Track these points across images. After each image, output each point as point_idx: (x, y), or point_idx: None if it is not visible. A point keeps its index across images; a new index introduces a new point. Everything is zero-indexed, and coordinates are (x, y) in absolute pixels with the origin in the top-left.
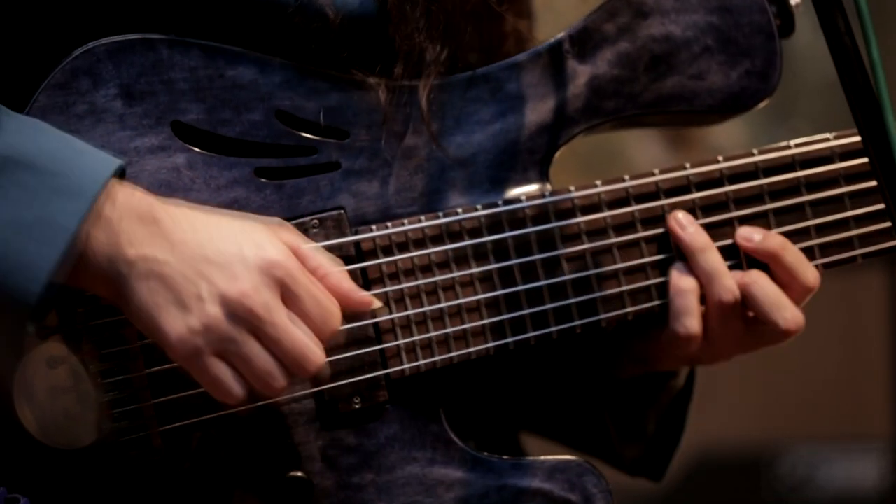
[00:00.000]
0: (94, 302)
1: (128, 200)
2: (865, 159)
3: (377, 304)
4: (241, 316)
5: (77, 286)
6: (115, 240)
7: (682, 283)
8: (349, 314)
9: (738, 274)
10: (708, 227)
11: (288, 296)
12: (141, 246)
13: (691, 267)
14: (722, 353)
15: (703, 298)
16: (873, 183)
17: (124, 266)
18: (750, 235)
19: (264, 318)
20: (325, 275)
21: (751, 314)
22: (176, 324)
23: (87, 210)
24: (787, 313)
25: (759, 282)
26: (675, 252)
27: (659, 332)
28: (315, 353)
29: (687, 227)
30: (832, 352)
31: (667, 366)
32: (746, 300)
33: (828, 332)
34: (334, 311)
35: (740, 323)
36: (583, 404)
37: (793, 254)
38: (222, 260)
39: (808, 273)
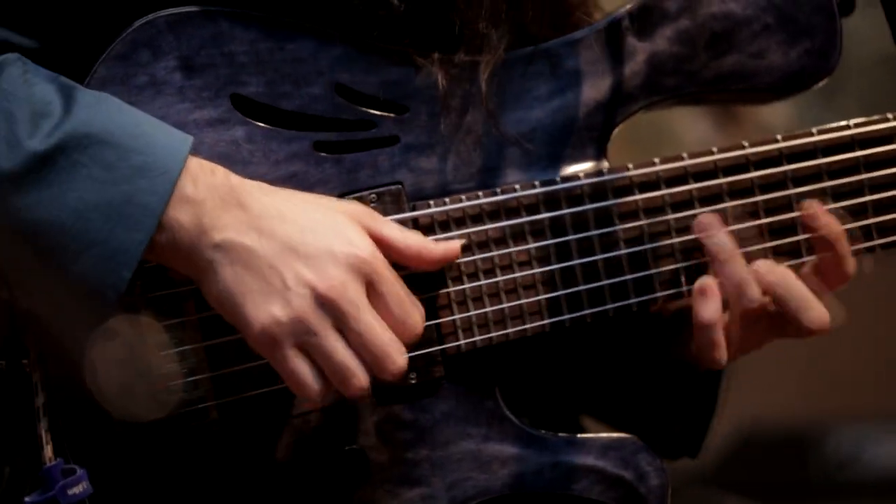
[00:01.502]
0: (152, 274)
1: (209, 180)
2: None
3: (458, 246)
4: (327, 309)
5: (152, 259)
6: (198, 222)
7: (706, 315)
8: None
9: (763, 270)
10: (766, 205)
11: (374, 294)
12: (226, 231)
13: (716, 273)
14: (745, 350)
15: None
16: None
17: (209, 250)
18: (816, 216)
19: (350, 313)
20: (407, 245)
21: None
22: (260, 312)
23: (171, 190)
24: (814, 314)
25: (785, 281)
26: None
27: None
28: (398, 352)
29: (713, 234)
30: (878, 328)
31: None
32: (773, 299)
33: (874, 308)
34: (417, 314)
35: (765, 322)
36: (637, 384)
37: (846, 245)
38: (311, 252)
39: (852, 264)
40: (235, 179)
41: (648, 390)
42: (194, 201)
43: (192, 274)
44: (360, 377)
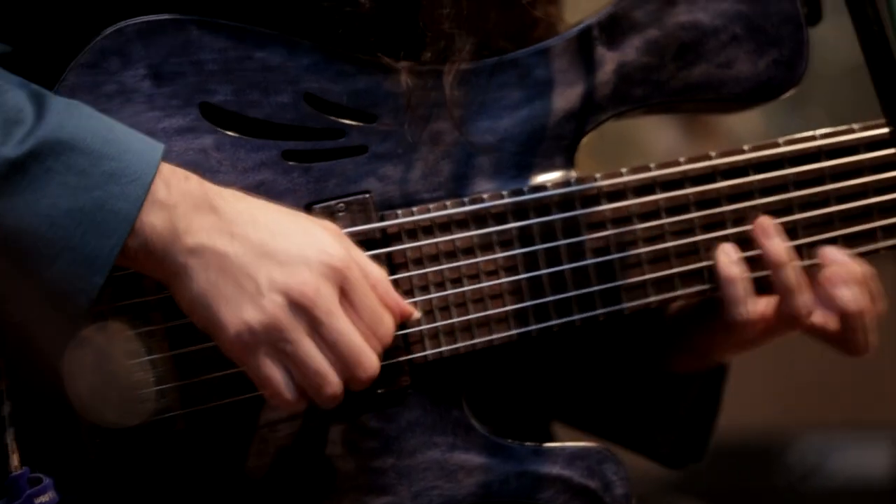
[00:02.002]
0: (121, 283)
1: (182, 185)
2: (890, 150)
3: (417, 314)
4: (301, 315)
5: (125, 265)
6: (171, 226)
7: (730, 271)
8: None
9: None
10: (732, 216)
11: (346, 300)
12: (200, 235)
13: (771, 278)
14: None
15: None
16: None
17: (182, 255)
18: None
19: (324, 319)
20: (374, 283)
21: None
22: (234, 318)
23: (143, 195)
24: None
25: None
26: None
27: (716, 322)
28: (370, 358)
29: (773, 237)
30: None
31: (726, 356)
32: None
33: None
34: (388, 321)
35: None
36: (617, 394)
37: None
38: (285, 257)
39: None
40: (209, 185)
41: (632, 399)
42: (167, 205)
43: (164, 279)
44: (334, 384)
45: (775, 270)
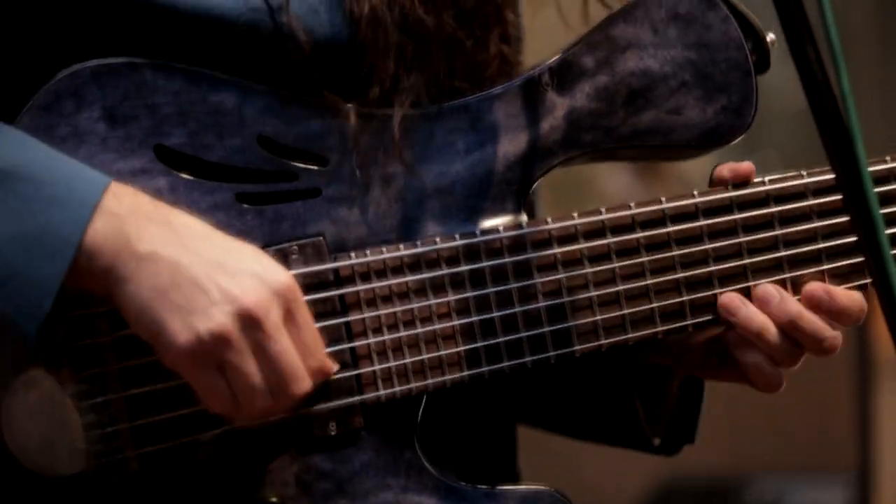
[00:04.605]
0: (73, 322)
1: (134, 199)
2: (838, 196)
3: (335, 368)
4: (248, 328)
5: (72, 285)
6: (121, 234)
7: (755, 323)
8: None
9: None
10: (682, 259)
11: (290, 321)
12: (151, 243)
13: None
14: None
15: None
16: (845, 219)
17: (132, 262)
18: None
19: (271, 335)
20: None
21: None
22: (183, 329)
23: (89, 217)
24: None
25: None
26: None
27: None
28: (304, 379)
29: (737, 311)
30: (798, 381)
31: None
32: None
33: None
34: (323, 350)
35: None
36: (607, 390)
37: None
38: (236, 269)
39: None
40: (161, 203)
41: (614, 395)
42: (118, 215)
43: (109, 288)
44: (265, 398)
45: (758, 338)
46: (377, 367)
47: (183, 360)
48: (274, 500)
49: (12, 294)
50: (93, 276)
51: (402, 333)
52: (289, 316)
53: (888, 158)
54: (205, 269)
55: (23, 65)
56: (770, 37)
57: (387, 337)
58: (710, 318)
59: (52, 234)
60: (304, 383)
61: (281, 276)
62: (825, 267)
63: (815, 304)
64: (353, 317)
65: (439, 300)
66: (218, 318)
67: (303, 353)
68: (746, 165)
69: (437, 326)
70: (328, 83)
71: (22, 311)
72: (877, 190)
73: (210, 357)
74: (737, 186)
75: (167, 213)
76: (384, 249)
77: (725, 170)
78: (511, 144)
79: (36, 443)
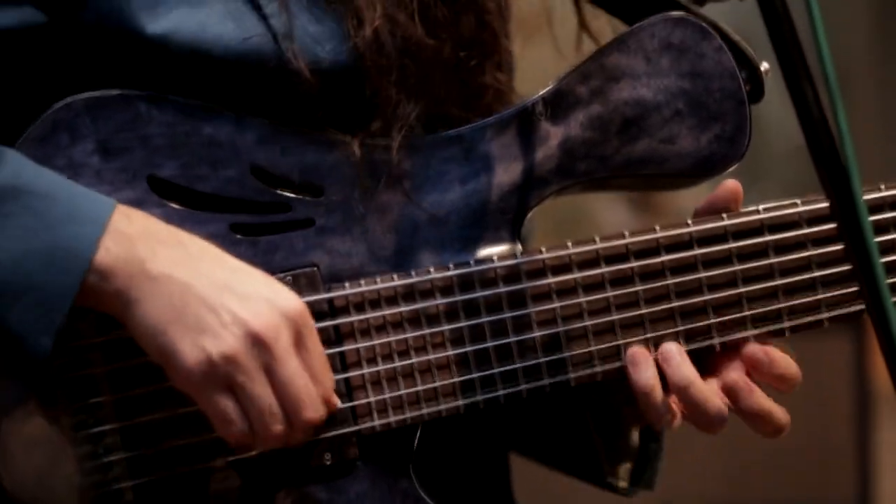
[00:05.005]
0: (69, 354)
1: (145, 221)
2: (832, 225)
3: (338, 404)
4: (258, 350)
5: (83, 304)
6: (134, 255)
7: (643, 381)
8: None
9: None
10: (676, 288)
11: (300, 346)
12: (164, 265)
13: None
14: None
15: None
16: (840, 247)
17: (145, 282)
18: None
19: (282, 358)
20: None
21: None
22: (194, 350)
23: (100, 233)
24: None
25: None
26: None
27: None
28: (317, 403)
29: (671, 360)
30: (798, 414)
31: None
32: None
33: (793, 394)
34: (331, 375)
35: None
36: (569, 426)
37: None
38: (248, 293)
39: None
40: (171, 226)
41: (582, 432)
42: (129, 235)
43: (120, 308)
44: (280, 423)
45: (683, 392)
46: (372, 397)
47: (193, 381)
48: None
49: (26, 309)
50: (105, 297)
51: (397, 363)
52: (299, 341)
53: (882, 187)
54: (216, 291)
55: (19, 96)
56: (764, 66)
57: (381, 367)
58: (706, 345)
59: (65, 250)
60: (317, 409)
61: (292, 301)
62: (820, 296)
63: (754, 366)
64: (348, 347)
65: (434, 330)
66: (228, 340)
67: (313, 379)
68: (729, 185)
69: (432, 356)
70: (330, 112)
71: (37, 325)
72: (871, 218)
73: (220, 379)
74: (731, 216)
75: (178, 235)
76: (378, 279)
77: (711, 198)
78: (505, 174)
79: (31, 476)
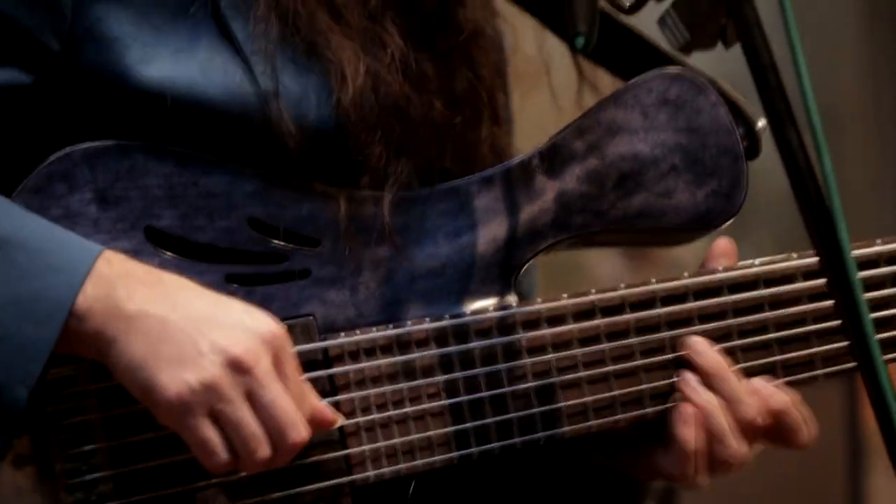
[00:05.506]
0: (63, 400)
1: (125, 264)
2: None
3: (340, 419)
4: (239, 377)
5: (64, 350)
6: (113, 295)
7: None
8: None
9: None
10: (672, 341)
11: (279, 370)
12: (142, 303)
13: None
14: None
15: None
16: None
17: (122, 321)
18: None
19: (263, 383)
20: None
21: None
22: (173, 380)
23: (80, 283)
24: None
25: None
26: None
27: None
28: (301, 426)
29: (703, 353)
30: (791, 463)
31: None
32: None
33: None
34: (315, 397)
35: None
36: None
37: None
38: (225, 322)
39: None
40: (151, 267)
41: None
42: (109, 278)
43: (100, 349)
44: (265, 448)
45: (714, 382)
46: (366, 446)
47: (175, 412)
48: None
49: (3, 358)
50: (84, 340)
51: (392, 412)
52: (279, 364)
53: (878, 241)
54: (193, 323)
55: (12, 149)
56: (761, 123)
57: (376, 416)
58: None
59: (45, 299)
60: (301, 430)
61: (269, 325)
62: (815, 350)
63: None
64: (343, 396)
65: (428, 380)
66: (207, 368)
67: (296, 400)
68: (721, 244)
69: (427, 406)
70: (319, 168)
71: (13, 375)
72: (865, 273)
73: (201, 407)
74: (727, 269)
75: (158, 274)
76: (374, 329)
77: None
78: (501, 227)
79: None
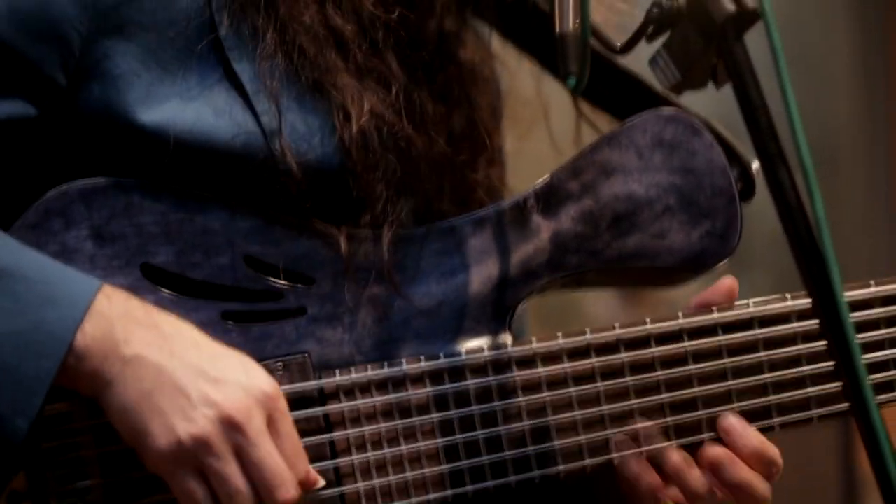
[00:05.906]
0: (59, 437)
1: (125, 303)
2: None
3: (321, 483)
4: (230, 432)
5: (61, 385)
6: (110, 337)
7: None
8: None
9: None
10: (666, 381)
11: (272, 430)
12: (139, 346)
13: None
14: None
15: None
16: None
17: (118, 364)
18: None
19: (254, 440)
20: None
21: None
22: (165, 430)
23: (81, 317)
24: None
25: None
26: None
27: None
28: (290, 485)
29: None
30: (783, 499)
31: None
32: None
33: (780, 478)
34: (305, 459)
35: None
36: None
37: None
38: (220, 377)
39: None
40: (151, 307)
41: None
42: (108, 317)
43: (95, 388)
44: None
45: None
46: (361, 484)
47: (163, 462)
48: None
49: (3, 391)
50: (81, 377)
51: (387, 451)
52: (272, 423)
53: (872, 283)
54: (188, 374)
55: (12, 184)
56: (755, 165)
57: (371, 454)
58: (693, 438)
59: (45, 333)
60: (290, 490)
61: (265, 384)
62: (809, 390)
63: (728, 432)
64: (338, 434)
65: (423, 418)
66: (199, 422)
67: (287, 461)
68: (726, 283)
69: (421, 444)
70: (320, 206)
71: (13, 408)
72: (860, 315)
73: (190, 461)
74: (721, 309)
75: (157, 317)
76: (369, 367)
77: (706, 295)
78: (496, 266)
79: None
